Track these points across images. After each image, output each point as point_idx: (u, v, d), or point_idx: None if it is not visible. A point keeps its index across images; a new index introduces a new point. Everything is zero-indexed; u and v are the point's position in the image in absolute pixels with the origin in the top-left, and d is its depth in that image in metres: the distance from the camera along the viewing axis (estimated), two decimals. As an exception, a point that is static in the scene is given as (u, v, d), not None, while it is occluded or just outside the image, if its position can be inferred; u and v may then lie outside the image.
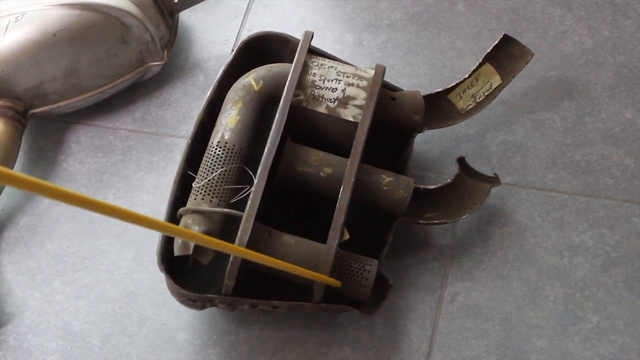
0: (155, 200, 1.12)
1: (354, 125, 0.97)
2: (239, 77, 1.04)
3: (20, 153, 1.17)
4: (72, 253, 1.09)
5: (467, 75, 1.08)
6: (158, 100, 1.20)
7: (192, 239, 0.43)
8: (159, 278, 1.06)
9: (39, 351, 1.02)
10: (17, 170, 1.15)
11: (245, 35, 1.22)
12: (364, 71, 1.01)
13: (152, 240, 1.09)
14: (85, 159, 1.16)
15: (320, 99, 0.98)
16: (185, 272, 1.01)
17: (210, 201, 0.94)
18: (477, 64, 1.08)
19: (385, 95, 1.03)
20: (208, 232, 0.92)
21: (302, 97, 0.98)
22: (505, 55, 1.08)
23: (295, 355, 0.99)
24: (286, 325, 1.01)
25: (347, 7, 1.25)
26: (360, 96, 0.98)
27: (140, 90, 1.21)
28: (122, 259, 1.08)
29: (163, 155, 1.15)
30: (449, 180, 1.02)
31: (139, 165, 1.15)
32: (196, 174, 0.97)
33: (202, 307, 0.95)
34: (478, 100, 1.08)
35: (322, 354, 0.99)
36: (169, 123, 1.18)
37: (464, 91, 1.09)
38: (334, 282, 0.91)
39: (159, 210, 1.11)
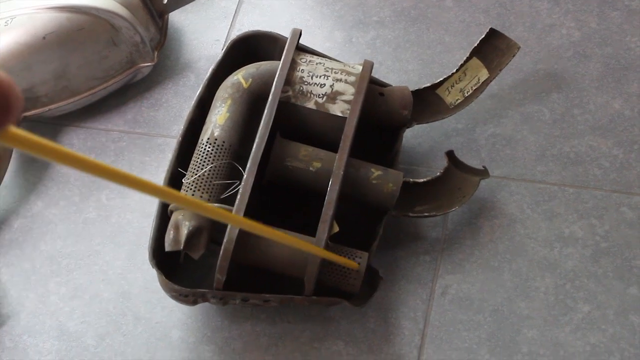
0: (147, 199, 1.12)
1: (342, 120, 0.98)
2: (229, 75, 1.05)
3: (13, 156, 1.18)
4: (66, 254, 1.09)
5: (454, 70, 1.09)
6: (149, 101, 1.21)
7: (204, 212, 0.44)
8: (153, 277, 1.07)
9: (34, 352, 1.03)
10: (9, 173, 1.16)
11: (235, 35, 1.23)
12: (352, 67, 1.02)
13: (145, 239, 1.09)
14: (77, 161, 1.16)
15: (309, 94, 0.99)
16: (178, 269, 1.01)
17: (201, 197, 0.94)
18: (465, 58, 1.09)
19: (373, 90, 1.04)
20: (198, 228, 0.93)
21: (290, 93, 0.99)
22: (492, 48, 1.08)
23: (289, 350, 1.00)
24: (279, 321, 1.02)
25: (336, 5, 1.26)
26: (349, 91, 0.99)
27: (131, 91, 1.22)
28: (115, 259, 1.08)
29: (155, 156, 1.16)
30: (438, 174, 1.03)
31: (131, 166, 1.16)
32: (186, 171, 0.98)
33: (194, 303, 0.96)
34: (466, 95, 1.08)
35: (316, 349, 0.99)
36: (161, 123, 1.19)
37: (452, 85, 1.09)
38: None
39: (151, 209, 1.11)
